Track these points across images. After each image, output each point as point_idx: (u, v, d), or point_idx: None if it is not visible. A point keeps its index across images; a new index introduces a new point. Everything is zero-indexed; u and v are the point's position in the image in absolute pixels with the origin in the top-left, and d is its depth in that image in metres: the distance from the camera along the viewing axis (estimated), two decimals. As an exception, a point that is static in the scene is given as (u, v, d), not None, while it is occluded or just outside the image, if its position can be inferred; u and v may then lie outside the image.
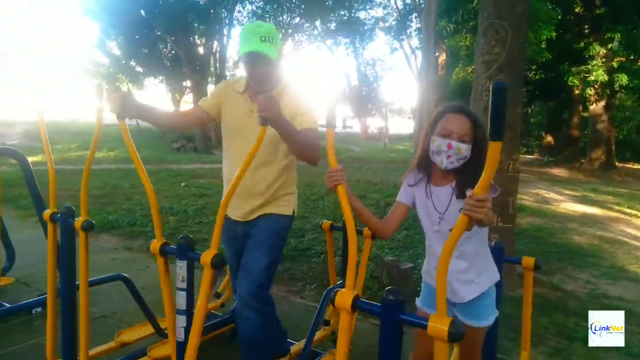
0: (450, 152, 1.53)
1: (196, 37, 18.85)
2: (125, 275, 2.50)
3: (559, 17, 14.55)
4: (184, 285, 1.62)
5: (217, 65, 19.56)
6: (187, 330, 1.64)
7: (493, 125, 1.06)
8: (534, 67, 19.21)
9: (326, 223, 2.70)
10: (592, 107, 17.56)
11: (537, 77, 21.09)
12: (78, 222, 1.98)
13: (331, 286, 2.76)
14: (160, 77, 21.32)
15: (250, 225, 2.12)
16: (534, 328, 3.46)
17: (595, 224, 7.94)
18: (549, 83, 19.81)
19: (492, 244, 2.14)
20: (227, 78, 17.17)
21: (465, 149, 1.53)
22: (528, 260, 1.99)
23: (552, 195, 11.63)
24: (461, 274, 1.58)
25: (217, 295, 3.24)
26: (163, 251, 1.70)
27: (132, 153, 1.70)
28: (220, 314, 2.96)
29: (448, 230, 1.52)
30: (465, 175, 1.55)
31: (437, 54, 17.37)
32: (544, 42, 13.95)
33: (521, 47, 4.23)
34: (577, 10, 16.76)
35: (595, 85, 15.68)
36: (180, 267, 1.62)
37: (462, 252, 1.57)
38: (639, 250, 6.23)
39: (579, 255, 5.70)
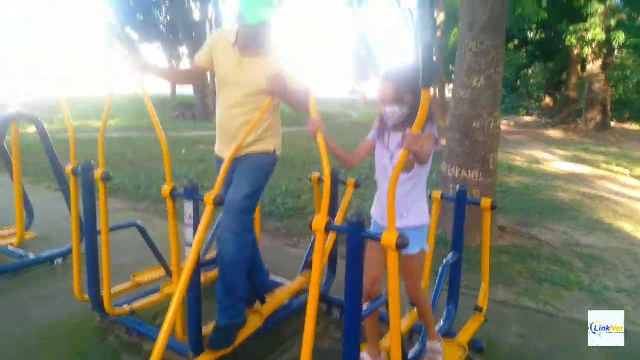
0: (387, 115, 1.87)
1: (191, 1, 18.62)
2: (139, 223, 2.82)
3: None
4: (190, 222, 1.94)
5: (213, 30, 19.43)
6: (195, 259, 1.96)
7: (423, 76, 1.38)
8: (534, 26, 19.05)
9: (315, 175, 2.99)
10: (589, 66, 17.54)
11: (537, 37, 20.90)
12: (97, 174, 2.29)
13: None
14: (157, 44, 21.18)
15: (237, 163, 2.35)
16: (509, 273, 3.82)
17: (580, 182, 8.25)
18: (548, 43, 19.68)
19: (457, 188, 2.45)
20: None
21: (398, 109, 1.84)
22: (486, 201, 2.30)
23: (544, 155, 11.90)
24: None
25: None
26: (172, 194, 2.02)
27: (149, 108, 2.12)
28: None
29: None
30: (410, 125, 1.86)
31: (435, 14, 17.12)
32: (543, 0, 13.81)
33: (502, 7, 4.37)
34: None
35: (593, 45, 15.65)
36: (187, 207, 1.93)
37: (398, 189, 1.88)
38: (617, 205, 6.57)
39: (560, 210, 6.03)
